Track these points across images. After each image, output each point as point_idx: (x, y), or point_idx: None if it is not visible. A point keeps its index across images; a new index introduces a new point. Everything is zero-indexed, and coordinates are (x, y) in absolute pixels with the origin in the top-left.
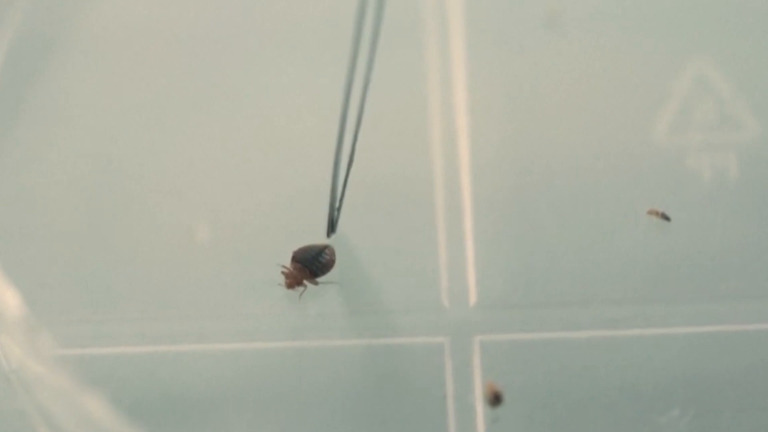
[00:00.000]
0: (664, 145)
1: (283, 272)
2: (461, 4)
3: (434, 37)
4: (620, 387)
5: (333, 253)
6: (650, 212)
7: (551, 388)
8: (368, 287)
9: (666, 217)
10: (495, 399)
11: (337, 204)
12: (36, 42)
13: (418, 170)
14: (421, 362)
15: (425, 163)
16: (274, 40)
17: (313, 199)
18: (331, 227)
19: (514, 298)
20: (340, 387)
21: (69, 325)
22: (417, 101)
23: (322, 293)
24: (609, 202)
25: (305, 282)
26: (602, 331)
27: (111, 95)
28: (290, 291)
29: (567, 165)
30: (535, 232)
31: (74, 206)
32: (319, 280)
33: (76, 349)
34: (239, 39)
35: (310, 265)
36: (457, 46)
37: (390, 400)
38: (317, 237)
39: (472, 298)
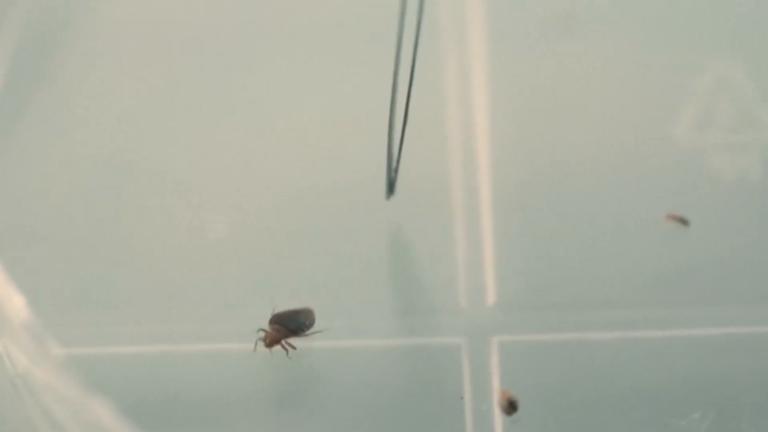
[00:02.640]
0: (684, 145)
1: (261, 330)
2: (481, 1)
3: (453, 34)
4: (640, 389)
5: (312, 316)
6: (668, 217)
7: (570, 390)
8: (385, 287)
9: (684, 222)
10: (510, 407)
11: (394, 165)
12: (45, 41)
13: (435, 169)
14: (439, 363)
15: (443, 162)
16: (283, 38)
17: (319, 200)
18: (390, 189)
19: (533, 298)
20: (355, 388)
21: (74, 326)
22: (435, 99)
23: (333, 292)
24: (628, 202)
25: (285, 343)
26: (622, 332)
27: (118, 93)
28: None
29: (586, 165)
30: (554, 233)
31: (78, 206)
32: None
33: (82, 351)
34: (250, 37)
35: (289, 325)
36: (476, 43)
37: (406, 401)
38: (322, 238)
39: (490, 299)
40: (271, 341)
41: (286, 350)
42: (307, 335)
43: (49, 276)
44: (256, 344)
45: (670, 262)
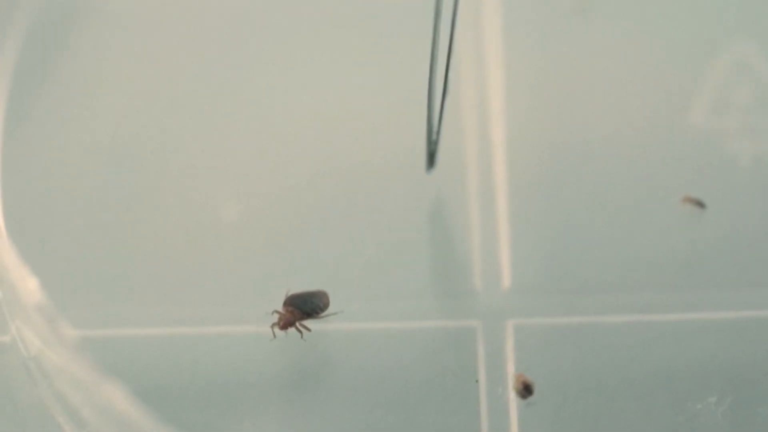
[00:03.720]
0: (702, 128)
1: (276, 312)
2: None
3: (468, 15)
4: (656, 373)
5: (327, 298)
6: (685, 200)
7: (585, 373)
8: (399, 270)
9: (701, 204)
10: (525, 390)
11: (434, 137)
12: (56, 26)
13: (451, 152)
14: (454, 346)
15: (458, 146)
16: (300, 18)
17: (332, 184)
18: (431, 161)
19: (548, 282)
20: (370, 371)
21: (88, 308)
22: (451, 80)
23: (347, 276)
24: (645, 186)
25: (300, 325)
26: (637, 316)
27: (129, 80)
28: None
29: (603, 148)
30: (569, 216)
31: (91, 191)
32: (312, 321)
33: (95, 333)
34: (265, 17)
35: (303, 307)
36: (492, 25)
37: (421, 384)
38: (335, 222)
39: (505, 282)
40: (285, 324)
41: (301, 332)
42: (321, 318)
43: (62, 259)
44: (273, 331)
45: (687, 245)
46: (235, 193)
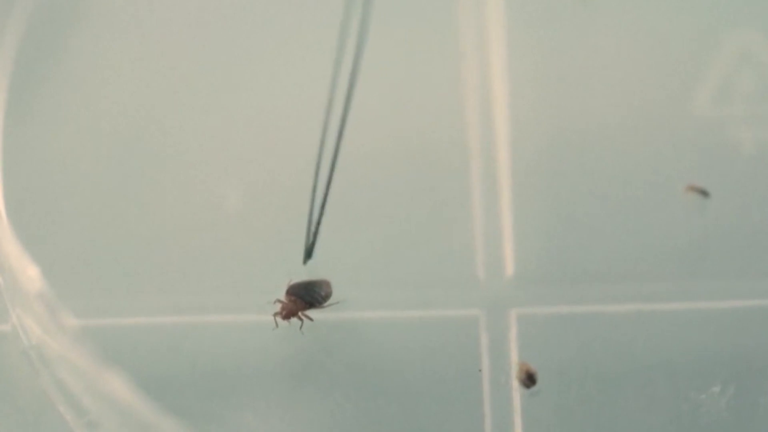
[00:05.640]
0: (705, 117)
1: (278, 301)
2: None
3: (471, 6)
4: (660, 362)
5: (329, 287)
6: (688, 188)
7: (589, 363)
8: (402, 259)
9: (705, 193)
10: (528, 379)
11: (313, 229)
12: (58, 15)
13: (454, 140)
14: (456, 335)
15: (461, 133)
16: (296, 7)
17: (340, 173)
18: (308, 254)
19: (551, 270)
20: (373, 361)
21: (89, 297)
22: (452, 68)
23: (350, 264)
24: (649, 174)
25: (302, 315)
26: (641, 305)
27: (132, 69)
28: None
29: (606, 137)
30: (573, 205)
31: (94, 179)
32: (314, 310)
33: (96, 322)
34: (261, 10)
35: (306, 297)
36: (495, 12)
37: (424, 373)
38: (338, 210)
39: (508, 271)
40: (287, 313)
41: (302, 321)
42: (323, 307)
43: (63, 247)
44: (276, 321)
45: (690, 234)
46: (237, 184)
